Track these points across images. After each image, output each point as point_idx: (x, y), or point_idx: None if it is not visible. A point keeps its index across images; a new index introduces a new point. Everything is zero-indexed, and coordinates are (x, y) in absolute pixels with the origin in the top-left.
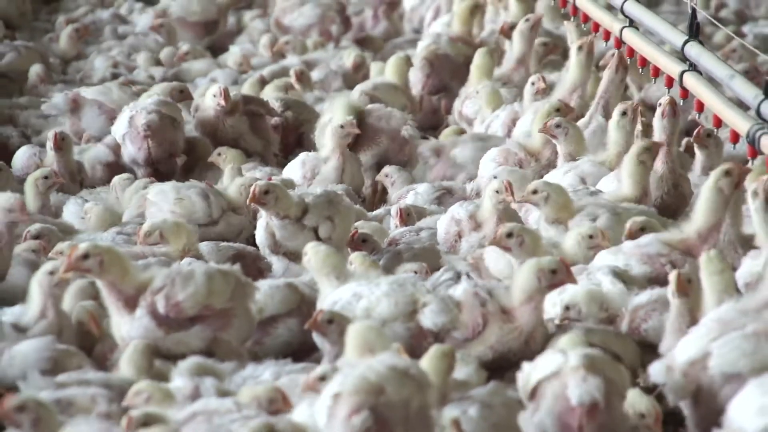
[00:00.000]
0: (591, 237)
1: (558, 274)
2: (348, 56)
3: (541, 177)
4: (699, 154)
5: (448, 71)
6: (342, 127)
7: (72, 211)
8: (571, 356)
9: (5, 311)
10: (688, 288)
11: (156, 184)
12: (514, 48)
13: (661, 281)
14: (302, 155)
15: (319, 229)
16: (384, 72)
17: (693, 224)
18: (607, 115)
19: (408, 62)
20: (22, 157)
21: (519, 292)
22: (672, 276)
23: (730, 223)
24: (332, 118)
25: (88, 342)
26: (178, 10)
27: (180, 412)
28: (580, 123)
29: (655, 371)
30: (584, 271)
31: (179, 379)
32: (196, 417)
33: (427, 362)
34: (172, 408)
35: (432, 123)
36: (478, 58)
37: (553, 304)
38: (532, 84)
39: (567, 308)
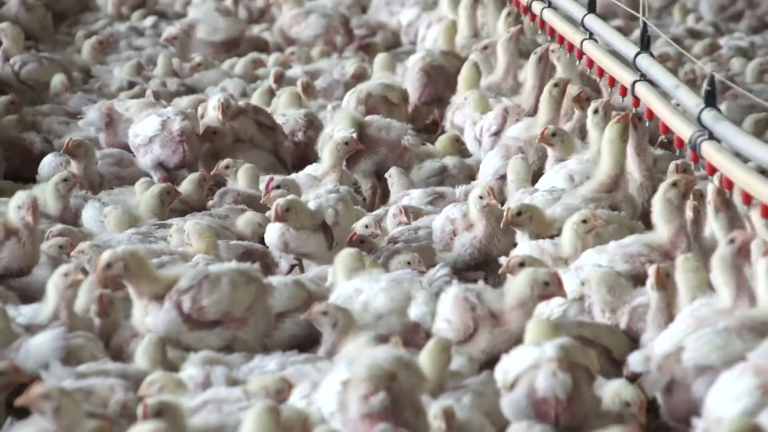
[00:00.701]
0: (585, 222)
1: (550, 286)
2: (350, 66)
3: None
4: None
5: (443, 82)
6: (346, 143)
7: (90, 213)
8: (546, 348)
9: (21, 311)
10: (666, 282)
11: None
12: (499, 60)
13: (641, 279)
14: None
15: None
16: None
17: (660, 233)
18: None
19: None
20: (48, 165)
21: (511, 298)
22: (651, 270)
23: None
24: (334, 130)
25: (104, 336)
26: (203, 28)
27: (192, 401)
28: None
29: (635, 361)
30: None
31: (191, 369)
32: (207, 405)
33: (427, 355)
34: (184, 397)
35: (427, 130)
36: (465, 71)
37: (546, 303)
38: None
39: (582, 283)
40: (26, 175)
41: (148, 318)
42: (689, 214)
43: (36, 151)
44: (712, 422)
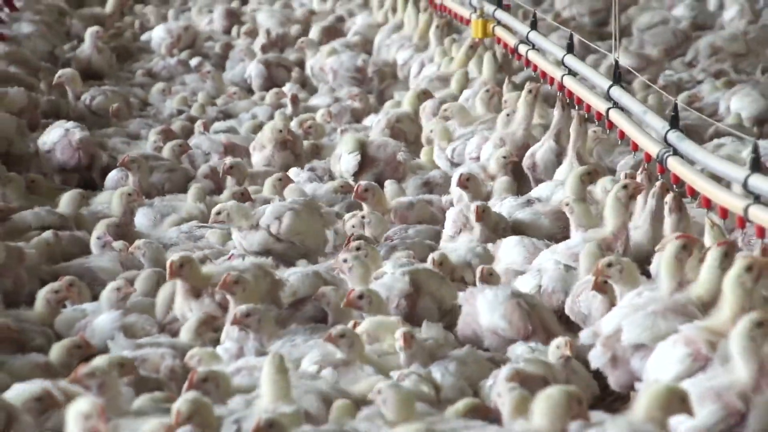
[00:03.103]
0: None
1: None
2: (361, 97)
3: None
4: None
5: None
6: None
7: (143, 215)
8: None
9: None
10: (604, 287)
11: None
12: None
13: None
14: None
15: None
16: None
17: (606, 227)
18: (557, 141)
19: (421, 96)
20: (112, 177)
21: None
22: (592, 278)
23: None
24: (342, 149)
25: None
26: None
27: (227, 367)
28: (534, 147)
29: (584, 335)
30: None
31: (228, 342)
32: (241, 371)
33: None
34: (219, 366)
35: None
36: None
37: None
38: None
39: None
40: (94, 184)
41: (192, 304)
42: (652, 202)
43: (102, 165)
44: (650, 384)
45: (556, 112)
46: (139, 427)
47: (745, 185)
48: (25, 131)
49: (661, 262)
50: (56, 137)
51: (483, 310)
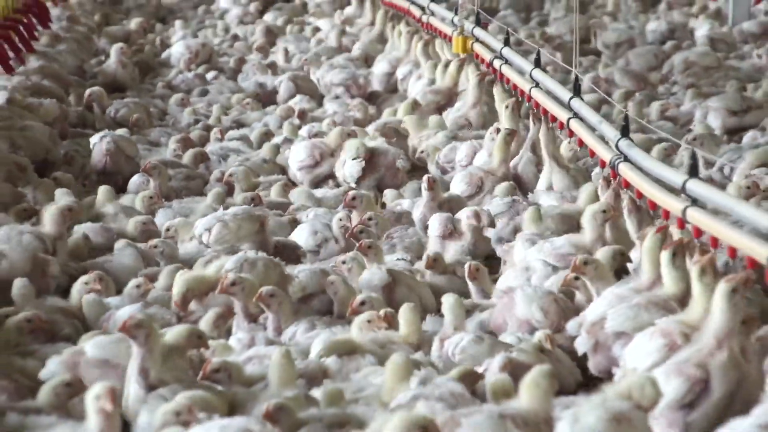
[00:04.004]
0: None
1: None
2: (359, 107)
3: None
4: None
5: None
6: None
7: (162, 216)
8: None
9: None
10: (576, 284)
11: None
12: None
13: None
14: None
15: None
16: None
17: (586, 236)
18: (534, 152)
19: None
20: (135, 181)
21: None
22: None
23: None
24: (346, 156)
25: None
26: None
27: (239, 356)
28: (515, 160)
29: (570, 326)
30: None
31: (240, 333)
32: (252, 360)
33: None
34: (231, 356)
35: None
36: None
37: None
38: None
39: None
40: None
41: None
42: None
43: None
44: (628, 371)
45: (531, 125)
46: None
47: (683, 189)
48: (57, 140)
49: (642, 254)
50: (97, 142)
51: (521, 302)
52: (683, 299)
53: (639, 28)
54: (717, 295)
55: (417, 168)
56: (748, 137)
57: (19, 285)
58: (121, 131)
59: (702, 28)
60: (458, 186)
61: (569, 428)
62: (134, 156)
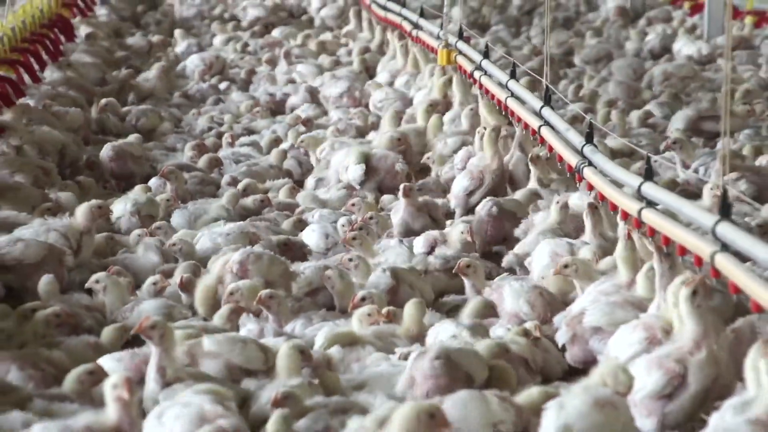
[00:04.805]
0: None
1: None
2: (359, 115)
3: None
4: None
5: None
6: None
7: (179, 216)
8: None
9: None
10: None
11: None
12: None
13: None
14: None
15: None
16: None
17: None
18: (523, 150)
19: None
20: (154, 184)
21: None
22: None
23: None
24: (348, 161)
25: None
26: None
27: None
28: (507, 158)
29: (557, 319)
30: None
31: (249, 324)
32: None
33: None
34: None
35: None
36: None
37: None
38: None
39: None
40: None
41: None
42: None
43: (145, 174)
44: (610, 359)
45: (517, 128)
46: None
47: (638, 191)
48: (81, 145)
49: (617, 258)
50: (103, 151)
51: (509, 296)
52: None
53: (617, 42)
54: (680, 301)
55: (425, 169)
56: (720, 143)
57: (45, 281)
58: (132, 137)
59: (680, 43)
60: (462, 182)
61: (555, 415)
62: (140, 155)
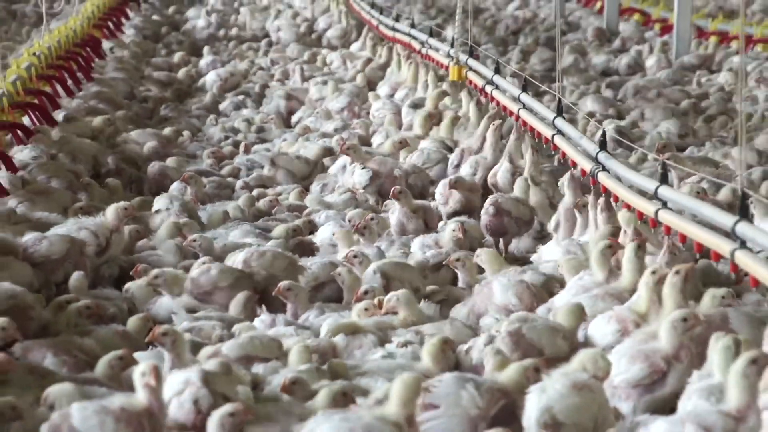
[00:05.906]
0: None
1: None
2: (361, 125)
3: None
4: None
5: None
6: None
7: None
8: None
9: None
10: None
11: None
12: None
13: None
14: None
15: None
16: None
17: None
18: (511, 162)
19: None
20: (176, 188)
21: None
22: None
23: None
24: (354, 166)
25: None
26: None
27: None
28: (495, 168)
29: (540, 311)
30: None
31: (263, 315)
32: None
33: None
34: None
35: None
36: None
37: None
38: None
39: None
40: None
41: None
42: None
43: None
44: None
45: (511, 137)
46: None
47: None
48: (106, 151)
49: (591, 259)
50: (150, 167)
51: (498, 290)
52: (633, 291)
53: (589, 61)
54: (666, 289)
55: None
56: (688, 151)
57: (75, 278)
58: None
59: (651, 60)
60: (465, 170)
61: (537, 397)
62: (139, 153)
